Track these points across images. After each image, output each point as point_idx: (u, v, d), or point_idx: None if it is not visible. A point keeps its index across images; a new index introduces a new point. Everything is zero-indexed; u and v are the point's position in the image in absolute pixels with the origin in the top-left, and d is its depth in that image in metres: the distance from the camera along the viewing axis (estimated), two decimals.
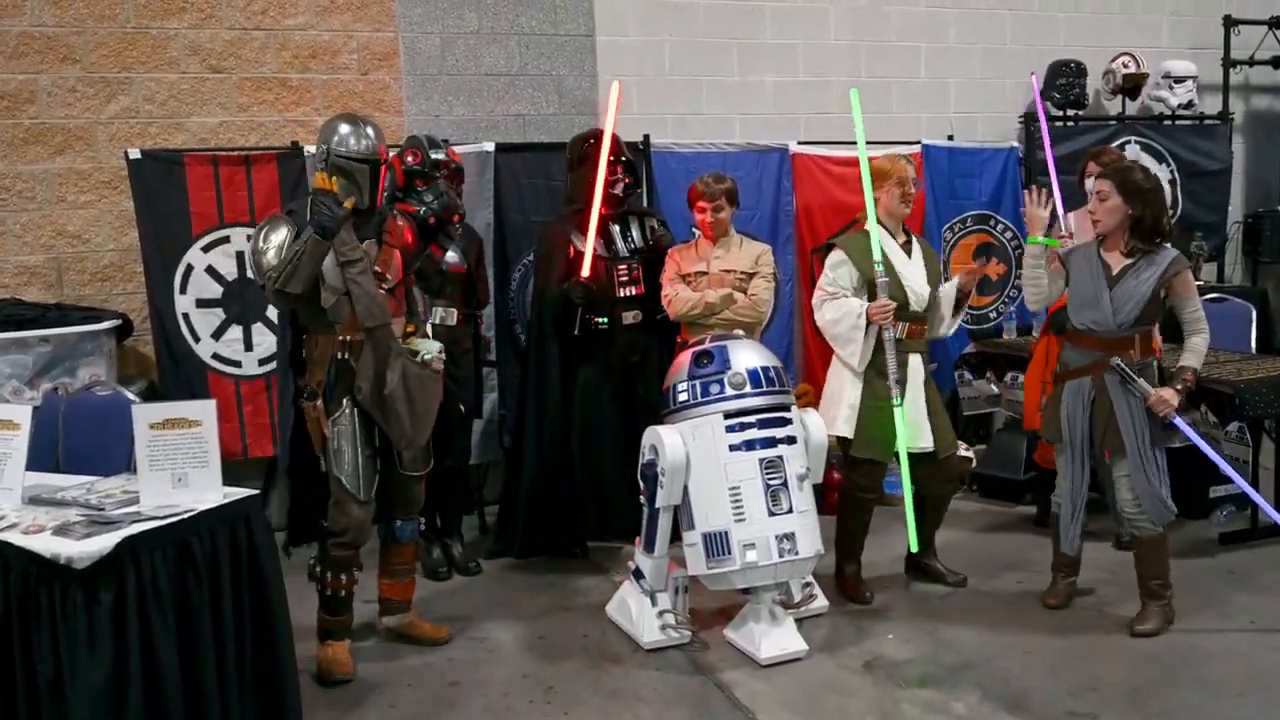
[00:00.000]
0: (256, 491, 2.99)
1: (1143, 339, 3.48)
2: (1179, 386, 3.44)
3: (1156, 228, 3.43)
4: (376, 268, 3.33)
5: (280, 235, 3.21)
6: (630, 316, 4.21)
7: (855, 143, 3.83)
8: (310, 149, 4.16)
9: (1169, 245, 3.49)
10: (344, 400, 3.29)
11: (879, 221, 3.75)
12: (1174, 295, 3.48)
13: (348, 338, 3.28)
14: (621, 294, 4.19)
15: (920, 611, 3.79)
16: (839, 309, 3.72)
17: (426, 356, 3.40)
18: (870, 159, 3.79)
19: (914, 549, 3.83)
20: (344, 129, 3.32)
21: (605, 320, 4.15)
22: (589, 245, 4.07)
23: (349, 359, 3.28)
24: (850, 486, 3.86)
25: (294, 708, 2.92)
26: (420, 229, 4.03)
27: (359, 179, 3.32)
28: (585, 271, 4.04)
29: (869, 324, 3.66)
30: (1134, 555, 3.63)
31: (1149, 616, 3.55)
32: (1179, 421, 3.50)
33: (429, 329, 3.58)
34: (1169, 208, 3.55)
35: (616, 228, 4.29)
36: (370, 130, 3.36)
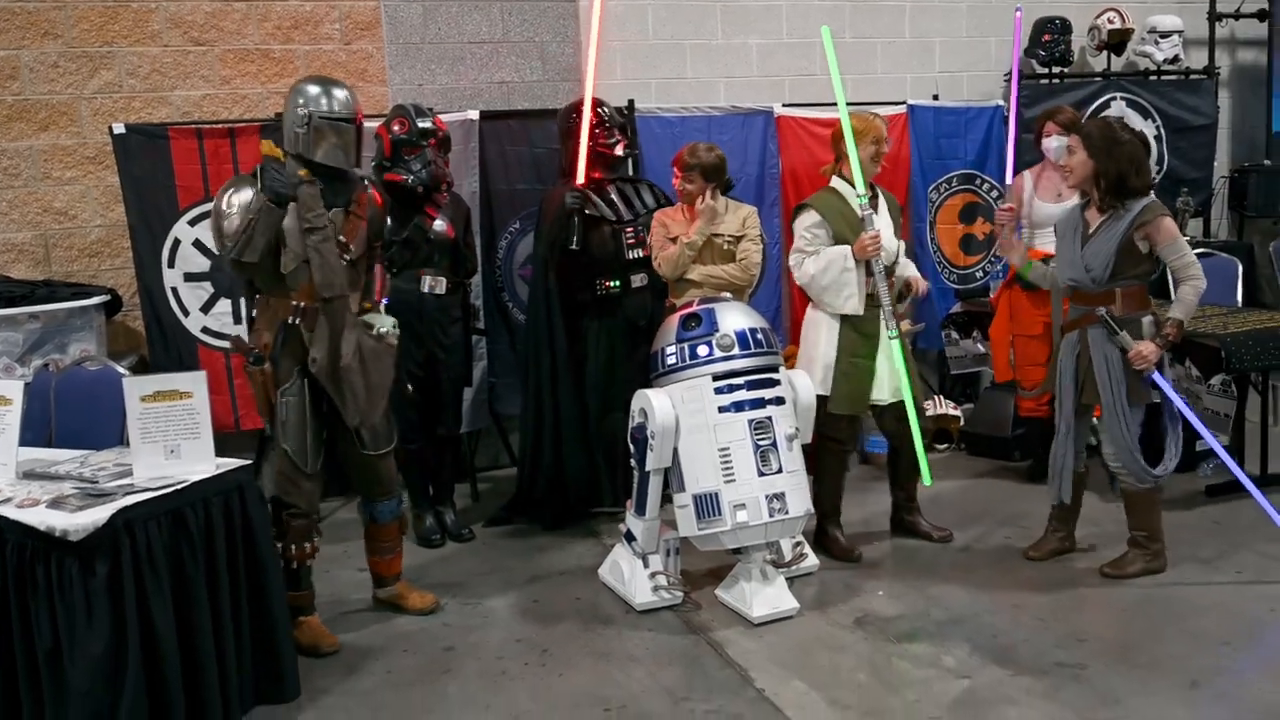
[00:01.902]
0: (249, 462, 3.00)
1: (1125, 294, 3.45)
2: (1159, 341, 3.41)
3: (1123, 182, 3.38)
4: (341, 237, 3.25)
5: (244, 197, 3.10)
6: (638, 279, 4.21)
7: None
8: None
9: (1145, 197, 3.43)
10: (294, 370, 3.20)
11: (848, 180, 3.76)
12: (1155, 245, 3.41)
13: (301, 304, 3.17)
14: (630, 256, 4.18)
15: (909, 568, 3.80)
16: (822, 260, 3.74)
17: (382, 330, 3.31)
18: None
19: (928, 483, 3.82)
20: (322, 90, 3.25)
21: (617, 284, 4.16)
22: (582, 146, 4.03)
23: (299, 325, 3.18)
24: (826, 443, 3.85)
25: (291, 674, 2.95)
26: (409, 198, 4.01)
27: (345, 139, 3.25)
28: (580, 178, 4.02)
29: (858, 262, 3.70)
30: (1124, 506, 3.67)
31: (1125, 563, 3.60)
32: (1159, 378, 3.47)
33: (382, 307, 3.49)
34: (1142, 161, 3.45)
35: (619, 192, 4.27)
36: (346, 91, 3.30)
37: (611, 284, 4.18)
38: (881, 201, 3.90)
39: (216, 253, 3.24)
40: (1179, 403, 3.57)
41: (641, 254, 4.19)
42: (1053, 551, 3.79)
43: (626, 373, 4.16)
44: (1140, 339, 3.43)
